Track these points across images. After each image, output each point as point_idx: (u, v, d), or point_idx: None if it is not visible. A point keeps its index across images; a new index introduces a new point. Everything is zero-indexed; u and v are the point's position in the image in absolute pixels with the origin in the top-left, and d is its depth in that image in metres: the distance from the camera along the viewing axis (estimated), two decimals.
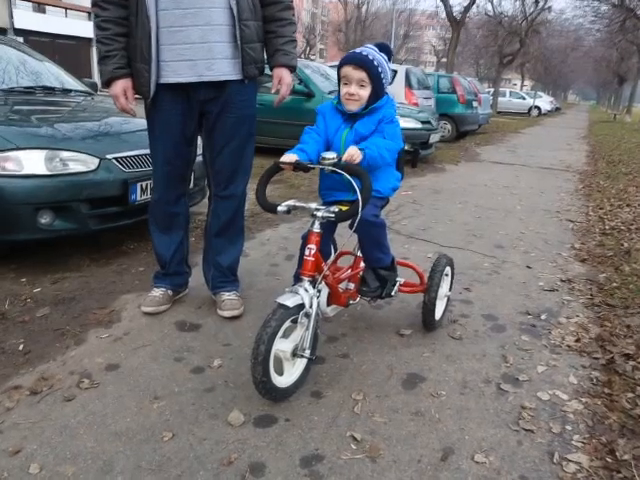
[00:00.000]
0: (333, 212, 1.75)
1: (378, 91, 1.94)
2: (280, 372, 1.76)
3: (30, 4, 22.35)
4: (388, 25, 35.61)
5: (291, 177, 5.50)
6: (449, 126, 11.84)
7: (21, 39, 20.62)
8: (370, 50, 1.93)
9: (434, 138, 7.80)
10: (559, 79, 47.54)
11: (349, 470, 1.50)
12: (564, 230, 4.40)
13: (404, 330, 2.38)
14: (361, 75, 1.89)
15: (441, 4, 18.16)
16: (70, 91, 3.90)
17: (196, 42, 2.05)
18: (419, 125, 7.32)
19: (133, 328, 2.28)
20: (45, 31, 20.36)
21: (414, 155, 2.12)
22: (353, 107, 1.94)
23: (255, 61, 2.18)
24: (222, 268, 2.48)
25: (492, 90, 26.59)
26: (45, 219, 2.77)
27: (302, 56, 36.77)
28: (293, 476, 1.48)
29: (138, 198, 3.05)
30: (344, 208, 1.79)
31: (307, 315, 1.74)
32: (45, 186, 2.74)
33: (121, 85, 2.13)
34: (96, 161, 2.90)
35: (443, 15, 19.23)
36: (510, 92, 31.06)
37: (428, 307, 2.27)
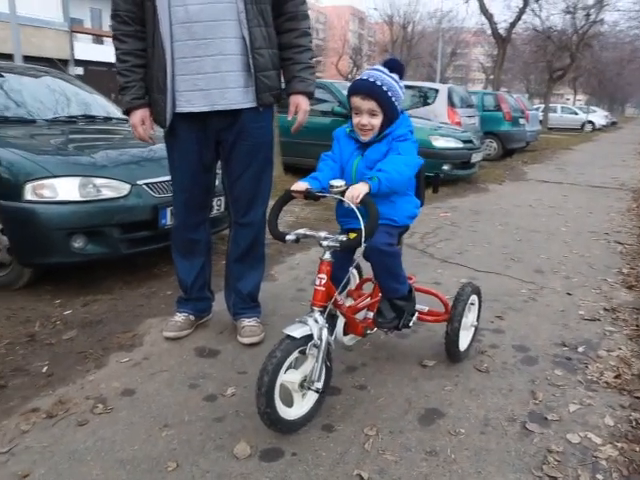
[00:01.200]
0: (339, 241, 1.72)
1: (391, 117, 1.88)
2: (289, 404, 1.72)
3: (90, 36, 23.74)
4: (434, 44, 35.45)
5: (329, 200, 5.48)
6: (495, 144, 11.57)
7: (81, 69, 21.87)
8: (378, 74, 1.85)
9: (476, 157, 7.62)
10: (615, 92, 45.77)
11: None
12: (611, 253, 4.15)
13: (427, 361, 2.28)
14: (370, 105, 1.83)
15: (486, 21, 17.89)
16: (110, 119, 4.05)
17: (209, 72, 2.08)
18: (460, 145, 7.18)
19: (153, 353, 2.30)
20: (103, 61, 21.50)
21: (435, 180, 2.01)
22: (366, 137, 1.90)
23: (270, 89, 2.19)
24: (242, 294, 2.48)
25: (542, 106, 25.88)
26: (78, 243, 2.86)
27: (349, 77, 37.12)
28: None
29: (168, 222, 3.10)
30: (352, 236, 1.74)
31: (315, 346, 1.69)
32: (78, 212, 2.84)
33: (139, 115, 2.20)
34: (127, 187, 2.98)
35: (489, 32, 18.90)
36: (562, 107, 30.14)
37: (451, 337, 2.18)
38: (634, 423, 1.87)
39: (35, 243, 2.83)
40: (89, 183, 2.88)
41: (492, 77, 29.47)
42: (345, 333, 2.09)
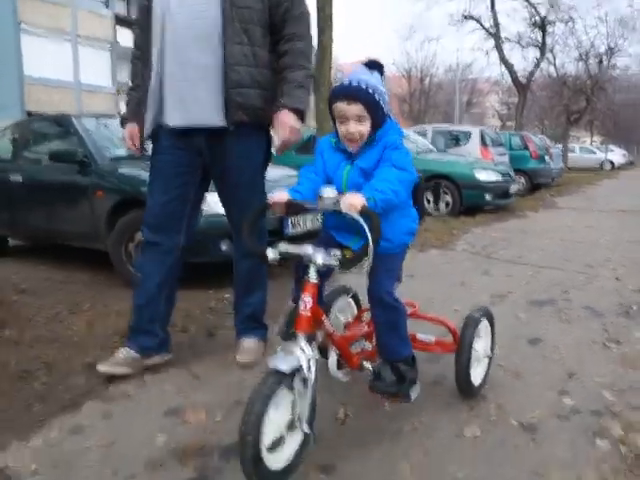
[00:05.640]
0: (338, 259, 1.52)
1: (378, 120, 1.72)
2: (275, 450, 1.46)
3: None
4: (451, 94, 37.06)
5: None
6: (523, 180, 12.37)
7: None
8: (360, 77, 1.71)
9: (513, 188, 8.43)
10: (631, 134, 46.62)
11: None
12: None
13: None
14: (357, 109, 1.68)
15: (506, 71, 19.14)
16: None
17: (187, 89, 2.11)
18: (500, 177, 8.01)
19: None
20: None
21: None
22: (354, 146, 1.74)
23: (242, 107, 2.11)
24: (244, 315, 2.46)
25: (561, 146, 26.80)
26: (225, 246, 3.67)
27: None
28: None
29: (290, 231, 3.91)
30: (348, 255, 1.56)
31: (304, 380, 1.46)
32: (225, 221, 3.67)
33: (129, 128, 2.32)
34: None
35: (507, 81, 20.21)
36: (580, 148, 31.01)
37: (460, 370, 1.94)
38: None
39: (196, 246, 3.65)
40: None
41: (509, 123, 30.66)
42: (339, 366, 1.82)
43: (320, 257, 1.52)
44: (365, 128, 1.71)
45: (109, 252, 3.84)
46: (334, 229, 1.79)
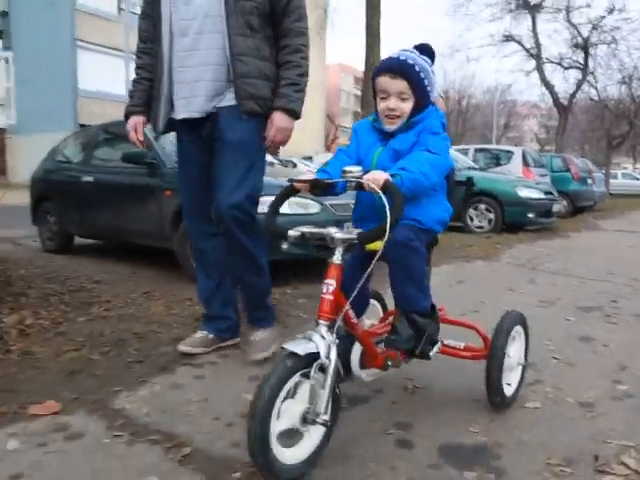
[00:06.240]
0: (357, 233, 1.45)
1: (422, 102, 1.65)
2: (289, 443, 1.39)
3: None
4: (488, 116, 37.02)
5: None
6: (564, 202, 12.32)
7: None
8: (409, 54, 1.64)
9: (556, 207, 8.47)
10: None
11: None
12: None
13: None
14: (401, 85, 1.61)
15: (546, 92, 19.15)
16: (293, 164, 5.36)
17: (193, 81, 2.17)
18: (542, 195, 8.08)
19: None
20: None
21: (467, 184, 1.79)
22: (392, 125, 1.66)
23: (254, 97, 2.15)
24: (248, 302, 2.43)
25: (603, 171, 26.38)
26: (285, 245, 3.92)
27: None
28: None
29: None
30: (373, 246, 1.50)
31: (323, 368, 1.36)
32: (286, 222, 3.91)
33: (133, 121, 2.35)
34: (318, 205, 4.08)
35: (547, 103, 20.22)
36: (622, 173, 30.43)
37: (491, 379, 1.78)
38: None
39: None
40: (294, 201, 3.99)
41: (547, 147, 30.42)
42: (362, 366, 1.69)
43: (339, 234, 1.45)
44: (407, 106, 1.64)
45: (175, 249, 4.14)
46: (359, 219, 1.75)
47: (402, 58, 1.62)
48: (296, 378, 1.34)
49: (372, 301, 2.05)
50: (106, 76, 19.65)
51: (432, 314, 1.73)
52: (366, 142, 1.73)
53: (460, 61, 50.71)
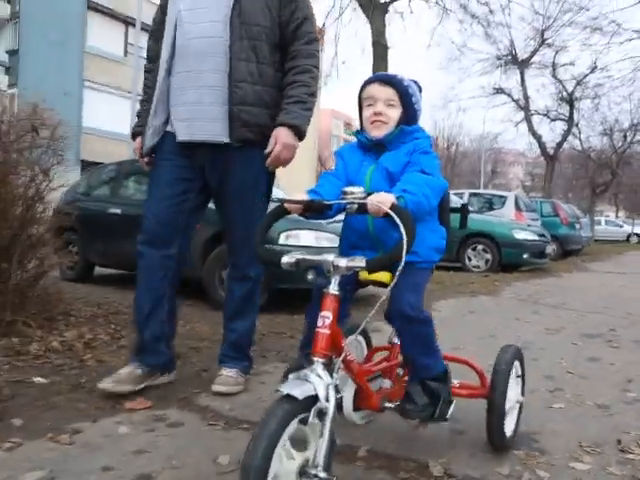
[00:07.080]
0: (362, 259, 1.29)
1: (409, 113, 1.64)
2: None
3: None
4: (475, 163, 38.21)
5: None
6: (554, 246, 12.84)
7: None
8: (396, 73, 1.70)
9: (549, 249, 8.95)
10: None
11: None
12: None
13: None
14: (389, 92, 1.61)
15: (534, 141, 20.08)
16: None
17: (192, 103, 2.13)
18: (536, 237, 8.55)
19: None
20: None
21: (462, 211, 1.87)
22: (379, 132, 1.62)
23: (247, 124, 2.11)
24: (228, 342, 2.37)
25: (588, 217, 27.29)
26: (310, 276, 4.24)
27: None
28: None
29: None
30: (376, 277, 1.44)
31: (321, 413, 1.21)
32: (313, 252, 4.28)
33: (138, 141, 2.34)
34: (337, 239, 4.43)
35: (534, 152, 21.22)
36: (605, 220, 31.45)
37: (494, 418, 1.70)
38: None
39: (284, 273, 4.23)
40: (319, 235, 4.34)
41: (532, 194, 31.45)
42: (355, 408, 1.60)
43: (343, 260, 1.29)
44: (394, 113, 1.62)
45: (203, 278, 4.44)
46: (352, 248, 1.65)
47: (391, 74, 1.69)
48: (294, 424, 1.17)
49: (357, 337, 1.79)
50: (110, 115, 20.20)
51: (445, 376, 1.64)
52: (354, 162, 1.68)
53: (450, 111, 52.58)
